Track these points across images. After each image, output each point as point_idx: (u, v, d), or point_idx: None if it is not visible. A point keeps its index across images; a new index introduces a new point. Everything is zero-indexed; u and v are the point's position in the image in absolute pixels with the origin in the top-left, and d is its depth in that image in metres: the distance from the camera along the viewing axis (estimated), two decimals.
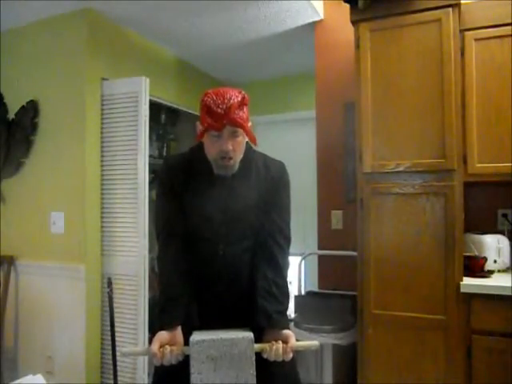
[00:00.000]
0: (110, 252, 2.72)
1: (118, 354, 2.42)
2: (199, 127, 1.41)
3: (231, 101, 1.30)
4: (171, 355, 1.25)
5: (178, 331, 1.31)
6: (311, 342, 1.37)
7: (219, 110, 1.29)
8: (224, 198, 1.41)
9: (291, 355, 1.28)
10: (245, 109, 1.34)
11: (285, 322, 1.35)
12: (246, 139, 1.43)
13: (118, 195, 2.71)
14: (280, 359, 1.26)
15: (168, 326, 1.30)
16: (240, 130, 1.34)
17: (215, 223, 1.40)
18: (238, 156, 1.40)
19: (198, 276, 1.40)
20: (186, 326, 1.34)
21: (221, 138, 1.33)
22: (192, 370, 1.22)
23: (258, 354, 1.26)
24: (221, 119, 1.29)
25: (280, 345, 1.26)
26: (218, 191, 1.42)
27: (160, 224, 1.47)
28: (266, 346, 1.26)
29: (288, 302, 1.41)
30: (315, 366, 2.33)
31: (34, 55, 2.82)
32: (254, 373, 1.23)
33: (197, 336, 1.25)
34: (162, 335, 1.28)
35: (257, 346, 1.25)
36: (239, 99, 1.32)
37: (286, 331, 1.30)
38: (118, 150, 2.71)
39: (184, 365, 1.26)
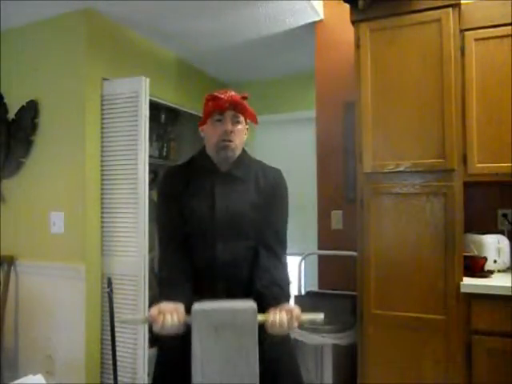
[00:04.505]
0: (110, 252, 2.72)
1: (117, 350, 2.41)
2: (202, 129, 1.51)
3: (233, 92, 1.45)
4: (172, 321, 1.21)
5: (180, 305, 1.26)
6: (316, 315, 1.31)
7: (222, 96, 1.42)
8: (224, 198, 1.43)
9: (296, 325, 1.25)
10: (245, 102, 1.46)
11: (287, 298, 1.35)
12: (245, 137, 1.50)
13: (117, 195, 2.71)
14: (285, 330, 1.23)
15: (169, 299, 1.27)
16: (241, 118, 1.45)
17: (215, 223, 1.41)
18: (239, 144, 1.46)
19: (199, 276, 1.41)
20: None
21: (223, 121, 1.42)
22: (193, 338, 1.18)
23: (260, 350, 1.25)
24: (224, 101, 1.41)
25: (284, 314, 1.23)
26: (218, 191, 1.44)
27: (161, 230, 1.50)
28: (269, 314, 1.22)
29: (289, 291, 1.42)
30: (315, 365, 2.33)
31: (34, 55, 2.82)
32: (257, 343, 1.19)
33: (199, 305, 1.21)
34: (163, 304, 1.25)
35: (260, 317, 1.21)
36: (240, 95, 1.46)
37: (289, 304, 1.29)
38: (118, 149, 2.71)
39: (185, 360, 1.25)
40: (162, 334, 1.23)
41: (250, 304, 1.21)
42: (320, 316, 1.30)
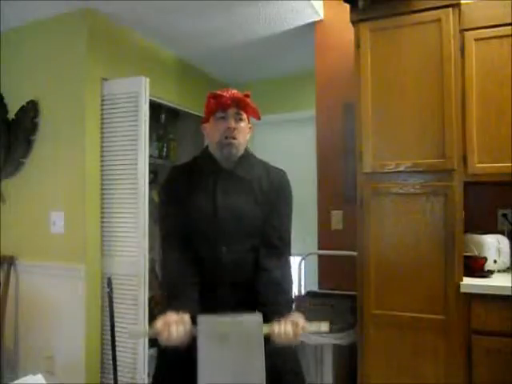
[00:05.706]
0: (110, 252, 2.72)
1: (117, 350, 2.41)
2: (204, 128, 1.51)
3: (235, 90, 1.46)
4: (177, 334, 1.20)
5: (186, 315, 1.26)
6: (321, 325, 1.30)
7: (225, 93, 1.43)
8: (227, 197, 1.43)
9: (300, 338, 1.25)
10: (248, 99, 1.46)
11: (291, 308, 1.36)
12: (248, 136, 1.50)
13: (117, 195, 2.71)
14: (290, 341, 1.24)
15: (175, 309, 1.26)
16: (244, 116, 1.45)
17: (219, 222, 1.41)
18: (242, 141, 1.46)
19: (202, 275, 1.40)
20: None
21: (225, 118, 1.42)
22: (199, 346, 1.18)
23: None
24: (226, 98, 1.42)
25: (289, 325, 1.24)
26: (220, 190, 1.44)
27: (164, 232, 1.50)
28: (275, 325, 1.23)
29: (290, 290, 1.44)
30: (315, 365, 2.33)
31: (34, 55, 2.82)
32: (263, 353, 1.19)
33: (205, 317, 1.22)
34: (169, 315, 1.24)
35: (266, 328, 1.22)
36: (243, 93, 1.46)
37: (294, 314, 1.29)
38: (118, 149, 2.71)
39: (185, 360, 1.25)
40: (169, 345, 1.23)
41: (255, 316, 1.23)
42: (325, 327, 1.29)
